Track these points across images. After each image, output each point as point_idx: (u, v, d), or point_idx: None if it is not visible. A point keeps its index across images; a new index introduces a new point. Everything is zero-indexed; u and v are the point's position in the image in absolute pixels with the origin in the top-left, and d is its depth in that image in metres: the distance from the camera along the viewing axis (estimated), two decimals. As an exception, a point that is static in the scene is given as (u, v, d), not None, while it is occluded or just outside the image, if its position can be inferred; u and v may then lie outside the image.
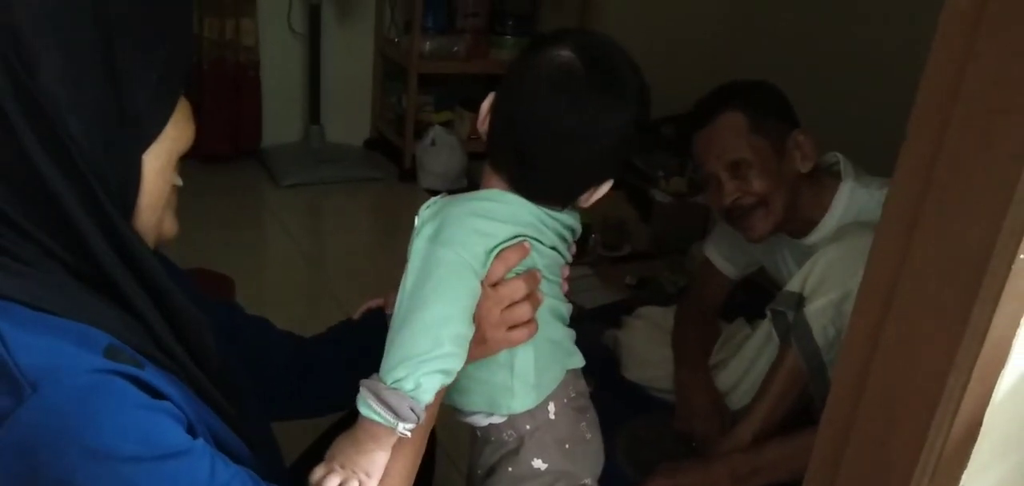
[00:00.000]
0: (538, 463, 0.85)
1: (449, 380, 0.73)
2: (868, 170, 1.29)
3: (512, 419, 0.85)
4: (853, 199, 1.25)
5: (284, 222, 2.58)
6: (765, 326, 1.32)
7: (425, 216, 0.78)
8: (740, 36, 3.22)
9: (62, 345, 0.54)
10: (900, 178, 0.53)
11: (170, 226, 0.69)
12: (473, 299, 0.75)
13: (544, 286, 0.82)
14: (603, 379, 0.95)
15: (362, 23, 3.08)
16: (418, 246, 0.76)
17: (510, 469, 0.86)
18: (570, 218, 0.86)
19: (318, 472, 0.71)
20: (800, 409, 1.23)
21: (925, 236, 0.51)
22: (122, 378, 0.55)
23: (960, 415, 0.53)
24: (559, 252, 0.85)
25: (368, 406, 0.68)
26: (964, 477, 0.58)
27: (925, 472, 0.55)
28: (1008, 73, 0.46)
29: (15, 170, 0.56)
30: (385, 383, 0.69)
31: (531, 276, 0.80)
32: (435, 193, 2.20)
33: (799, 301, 1.19)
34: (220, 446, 0.64)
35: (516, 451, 0.86)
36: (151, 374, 0.58)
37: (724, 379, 1.40)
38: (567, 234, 0.86)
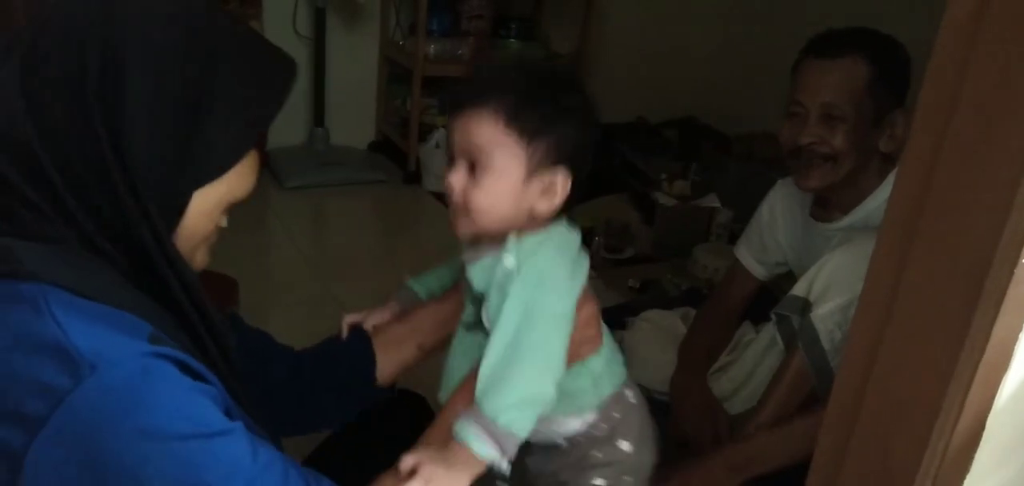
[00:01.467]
0: (625, 445, 0.91)
1: None
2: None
3: (603, 411, 0.90)
4: None
5: (288, 224, 2.59)
6: (768, 331, 1.31)
7: (523, 256, 0.80)
8: (741, 41, 3.22)
9: (112, 332, 0.57)
10: (901, 184, 0.53)
11: (201, 260, 0.72)
12: (569, 338, 0.80)
13: None
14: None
15: (367, 26, 3.09)
16: (523, 291, 0.78)
17: (599, 455, 0.91)
18: None
19: (404, 482, 0.72)
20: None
21: (926, 243, 0.51)
22: (169, 361, 0.58)
23: (962, 421, 0.53)
24: None
25: (478, 440, 0.72)
26: (966, 482, 0.58)
27: (927, 477, 0.55)
28: (1007, 81, 0.46)
29: (87, 170, 0.60)
30: (497, 422, 0.72)
31: (592, 295, 0.86)
32: (440, 195, 2.23)
33: (804, 306, 1.18)
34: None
35: (607, 438, 0.91)
36: (191, 360, 0.61)
37: (726, 383, 1.39)
38: None
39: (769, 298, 1.28)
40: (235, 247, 0.71)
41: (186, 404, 0.57)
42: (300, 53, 2.95)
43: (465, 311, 0.88)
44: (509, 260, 0.79)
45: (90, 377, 0.53)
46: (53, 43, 0.60)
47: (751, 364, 1.36)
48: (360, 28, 3.07)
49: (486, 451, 0.71)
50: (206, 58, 0.63)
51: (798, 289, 1.19)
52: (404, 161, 3.03)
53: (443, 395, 0.86)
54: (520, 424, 0.74)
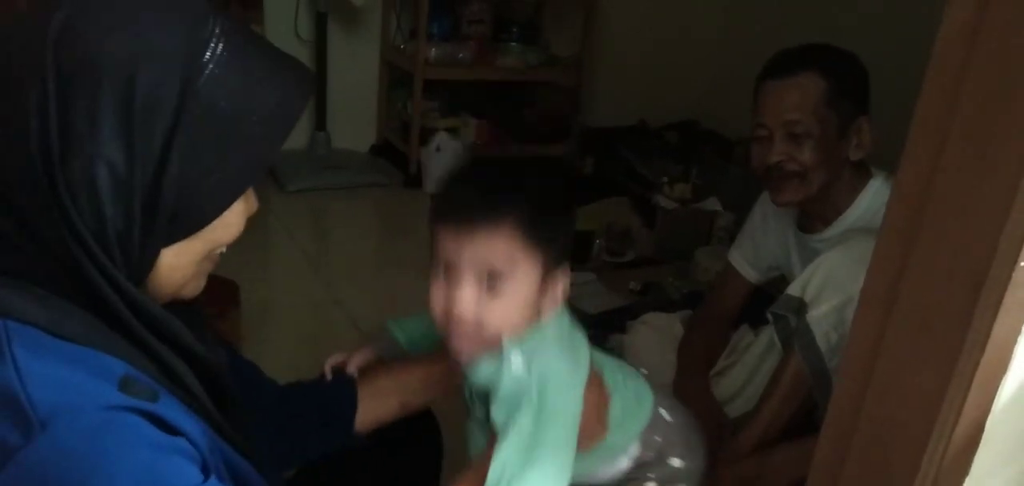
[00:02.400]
0: (676, 461, 0.94)
1: None
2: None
3: (644, 440, 0.93)
4: (877, 197, 1.24)
5: (289, 228, 2.59)
6: (767, 333, 1.32)
7: (529, 359, 0.78)
8: (742, 45, 3.22)
9: (77, 376, 0.53)
10: (900, 186, 0.53)
11: (193, 290, 0.66)
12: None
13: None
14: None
15: (368, 30, 3.10)
16: (534, 398, 0.76)
17: (653, 476, 0.93)
18: None
19: None
20: (803, 415, 1.22)
21: (926, 244, 0.51)
22: (136, 414, 0.54)
23: (961, 423, 0.53)
24: None
25: None
26: (965, 484, 0.58)
27: (926, 479, 0.55)
28: (1007, 83, 0.46)
29: (43, 215, 0.55)
30: None
31: (598, 381, 0.87)
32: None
33: (799, 306, 1.18)
34: (241, 483, 0.64)
35: (657, 460, 0.94)
36: (166, 406, 0.57)
37: (726, 386, 1.39)
38: None
39: (767, 302, 1.29)
40: (236, 250, 0.69)
41: (149, 466, 0.52)
42: (301, 57, 2.94)
43: (474, 408, 0.87)
44: (517, 363, 0.77)
45: (41, 434, 0.49)
46: (17, 71, 0.55)
47: (751, 367, 1.36)
48: (361, 32, 3.08)
49: None
50: (197, 96, 0.56)
51: (793, 289, 1.20)
52: (405, 164, 3.04)
53: None
54: None
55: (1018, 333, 0.53)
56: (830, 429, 0.60)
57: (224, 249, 0.66)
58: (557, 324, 0.82)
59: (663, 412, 0.95)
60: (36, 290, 0.56)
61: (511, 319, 0.77)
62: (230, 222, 0.63)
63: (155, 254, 0.59)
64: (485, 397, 0.82)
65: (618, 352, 1.61)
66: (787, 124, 1.19)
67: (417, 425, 1.00)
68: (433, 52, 2.92)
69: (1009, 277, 0.49)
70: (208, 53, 0.57)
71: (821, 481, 0.61)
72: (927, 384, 0.53)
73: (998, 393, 0.55)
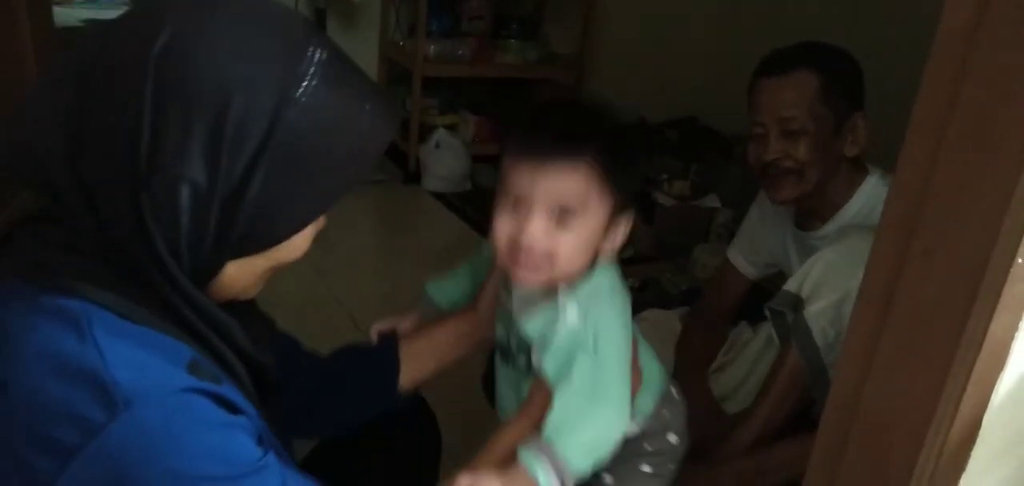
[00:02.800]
0: (673, 438, 0.97)
1: None
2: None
3: (656, 410, 0.95)
4: (874, 194, 1.24)
5: (289, 224, 2.60)
6: (765, 330, 1.32)
7: (585, 308, 0.81)
8: (742, 42, 3.22)
9: (152, 358, 0.56)
10: (899, 184, 0.53)
11: (251, 294, 0.69)
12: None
13: None
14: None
15: (367, 27, 3.09)
16: (592, 344, 0.80)
17: (648, 447, 0.96)
18: None
19: None
20: (801, 411, 1.23)
21: (923, 241, 0.52)
22: (204, 396, 0.57)
23: (958, 419, 0.54)
24: None
25: (545, 473, 0.74)
26: (962, 481, 0.58)
27: (924, 475, 0.55)
28: (1004, 82, 0.46)
29: (121, 222, 0.57)
30: (567, 460, 0.75)
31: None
32: (440, 195, 2.24)
33: (796, 302, 1.19)
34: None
35: (658, 432, 0.96)
36: (228, 389, 0.61)
37: (725, 383, 1.40)
38: None
39: (766, 299, 1.29)
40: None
41: (219, 443, 0.57)
42: (301, 53, 2.96)
43: (509, 355, 0.90)
44: (572, 315, 0.81)
45: (124, 412, 0.53)
46: (112, 69, 0.56)
47: (749, 363, 1.37)
48: (360, 28, 3.08)
49: (551, 482, 0.74)
50: (287, 122, 0.57)
51: (791, 285, 1.20)
52: (404, 161, 3.04)
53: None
54: (587, 464, 0.77)
55: (1015, 330, 0.54)
56: (828, 425, 0.60)
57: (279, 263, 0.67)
58: (610, 274, 0.85)
59: (673, 390, 0.99)
60: (108, 273, 0.58)
61: (576, 254, 0.80)
62: (298, 244, 0.65)
63: (221, 265, 0.61)
64: (528, 348, 0.85)
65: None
66: (782, 121, 1.20)
67: (414, 418, 1.01)
68: (432, 49, 2.92)
69: (1006, 274, 0.49)
70: (303, 85, 0.58)
71: (819, 476, 0.61)
72: (924, 380, 0.53)
73: (995, 389, 0.55)
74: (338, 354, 0.97)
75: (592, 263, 0.83)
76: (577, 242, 0.79)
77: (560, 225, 0.78)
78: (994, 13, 0.46)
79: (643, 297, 2.12)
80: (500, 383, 0.96)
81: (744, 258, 1.50)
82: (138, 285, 0.59)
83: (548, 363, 0.81)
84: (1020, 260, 0.49)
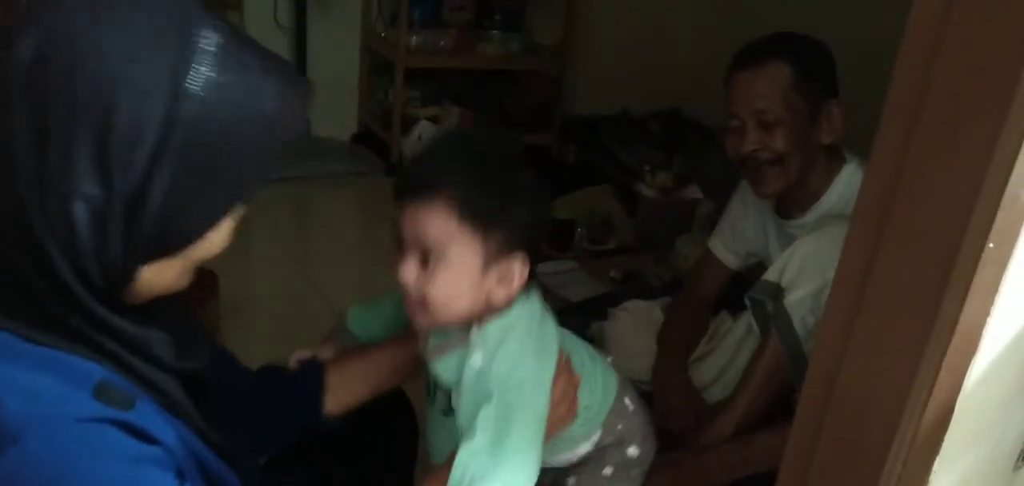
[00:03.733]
0: (633, 450, 0.97)
1: None
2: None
3: (606, 427, 0.95)
4: (851, 182, 1.26)
5: (269, 216, 2.57)
6: (745, 320, 1.33)
7: (490, 350, 0.78)
8: (726, 34, 3.23)
9: (51, 383, 0.52)
10: (872, 171, 0.54)
11: (181, 283, 0.63)
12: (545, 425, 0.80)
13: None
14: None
15: (348, 17, 3.07)
16: (497, 393, 0.76)
17: (609, 462, 0.96)
18: None
19: None
20: (781, 399, 1.24)
21: (896, 229, 0.52)
22: (110, 425, 0.53)
23: (931, 403, 0.54)
24: None
25: None
26: (936, 463, 0.59)
27: (897, 459, 0.56)
28: (974, 70, 0.47)
29: (17, 247, 0.53)
30: None
31: (566, 368, 0.86)
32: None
33: (776, 291, 1.20)
34: (214, 482, 0.64)
35: (615, 446, 0.96)
36: (142, 413, 0.56)
37: (705, 372, 1.41)
38: None
39: (746, 289, 1.30)
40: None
41: (123, 477, 0.52)
42: (281, 44, 2.93)
43: (434, 398, 0.87)
44: (477, 359, 0.78)
45: (12, 448, 0.49)
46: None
47: (730, 353, 1.38)
48: (341, 18, 3.05)
49: None
50: (190, 118, 0.53)
51: (771, 274, 1.21)
52: (386, 153, 3.02)
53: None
54: None
55: (987, 315, 0.54)
56: (804, 410, 0.61)
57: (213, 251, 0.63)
58: (524, 315, 0.81)
59: (627, 402, 0.97)
60: (12, 293, 0.54)
61: (450, 298, 0.76)
62: (214, 241, 0.60)
63: (134, 270, 0.56)
64: (447, 392, 0.82)
65: (599, 339, 1.62)
66: (757, 112, 1.22)
67: (391, 406, 1.00)
68: (414, 40, 2.90)
69: (978, 259, 0.50)
70: (191, 76, 0.53)
71: (795, 460, 0.62)
72: (898, 365, 0.54)
73: (968, 374, 0.56)
74: (261, 374, 0.92)
75: (490, 303, 0.78)
76: (446, 285, 0.75)
77: (427, 267, 0.75)
78: (964, 1, 0.47)
79: (625, 289, 2.13)
80: (427, 423, 0.92)
81: (725, 248, 1.51)
82: (42, 307, 0.54)
83: (460, 410, 0.78)
84: (991, 245, 0.49)
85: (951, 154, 0.49)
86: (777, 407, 1.24)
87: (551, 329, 0.85)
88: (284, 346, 0.97)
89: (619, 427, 0.95)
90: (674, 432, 1.34)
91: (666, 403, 1.36)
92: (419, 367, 0.92)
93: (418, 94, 3.13)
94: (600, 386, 0.94)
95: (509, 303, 0.80)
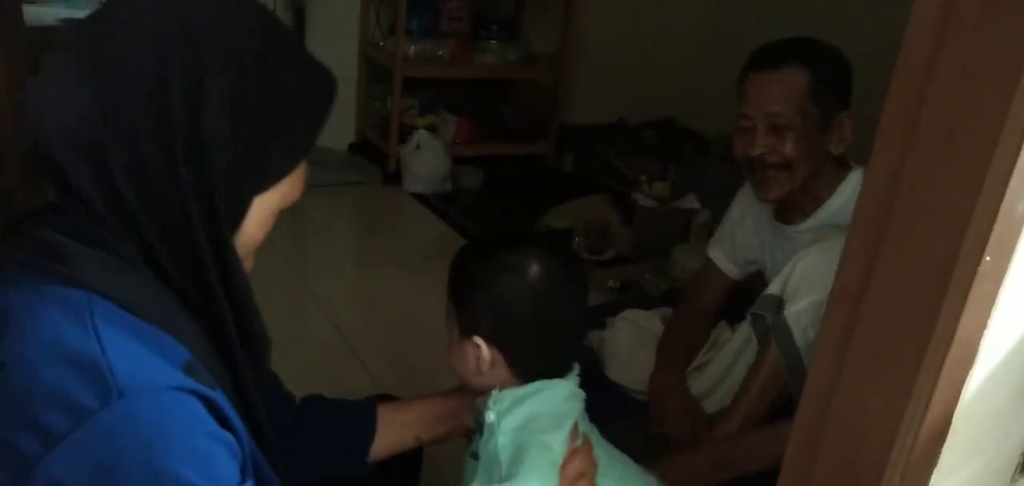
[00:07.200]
0: None
1: None
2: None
3: None
4: (857, 190, 1.25)
5: (267, 226, 2.57)
6: (744, 330, 1.33)
7: (501, 413, 0.82)
8: (721, 43, 3.25)
9: (149, 354, 0.57)
10: (869, 182, 0.54)
11: (249, 267, 0.71)
12: None
13: (586, 427, 0.90)
14: (587, 378, 0.97)
15: (346, 26, 3.07)
16: (502, 450, 0.80)
17: None
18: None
19: None
20: (778, 411, 1.24)
21: (894, 240, 0.52)
22: (198, 398, 0.57)
23: (929, 415, 0.54)
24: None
25: None
26: (934, 476, 0.59)
27: (896, 471, 0.56)
28: (972, 79, 0.47)
29: (157, 172, 0.59)
30: None
31: (586, 449, 0.87)
32: (420, 196, 2.21)
33: (779, 304, 1.19)
34: (263, 482, 0.67)
35: None
36: (221, 397, 0.61)
37: (703, 382, 1.41)
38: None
39: (745, 298, 1.30)
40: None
41: (202, 451, 0.56)
42: (279, 53, 2.93)
43: (474, 440, 0.90)
44: (490, 415, 0.82)
45: (118, 401, 0.53)
46: (130, 45, 0.59)
47: (727, 363, 1.37)
48: (339, 27, 3.06)
49: None
50: (273, 66, 0.64)
51: (773, 288, 1.21)
52: (384, 162, 3.02)
53: None
54: None
55: (984, 327, 0.54)
56: (802, 421, 0.61)
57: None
58: (546, 392, 0.84)
59: None
60: (115, 264, 0.59)
61: (453, 363, 0.89)
62: (299, 176, 0.70)
63: (250, 201, 0.65)
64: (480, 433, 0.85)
65: (597, 349, 1.62)
66: (770, 116, 1.21)
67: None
68: (412, 49, 2.91)
69: (975, 271, 0.50)
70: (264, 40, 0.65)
71: (793, 471, 0.62)
72: (896, 377, 0.53)
73: (965, 386, 0.56)
74: (311, 404, 0.94)
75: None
76: (447, 351, 0.87)
77: None
78: (960, 11, 0.47)
79: (623, 298, 2.13)
80: (465, 462, 0.93)
81: (724, 256, 1.50)
82: (147, 276, 0.60)
83: (480, 469, 0.82)
84: (988, 258, 0.49)
85: (948, 165, 0.49)
86: (775, 418, 1.24)
87: (572, 410, 0.86)
88: (282, 356, 0.96)
89: None
90: (670, 441, 1.33)
91: (661, 409, 1.36)
92: (464, 421, 0.95)
93: (416, 103, 3.14)
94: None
95: (504, 386, 0.84)
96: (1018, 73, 0.45)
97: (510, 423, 0.81)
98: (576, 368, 0.90)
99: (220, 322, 0.64)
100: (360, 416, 0.93)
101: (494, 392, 0.83)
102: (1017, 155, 0.47)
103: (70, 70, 0.59)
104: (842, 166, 1.28)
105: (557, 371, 0.87)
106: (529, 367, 0.85)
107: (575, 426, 0.86)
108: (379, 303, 2.24)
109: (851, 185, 1.26)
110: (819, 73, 1.20)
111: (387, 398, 0.99)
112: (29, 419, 0.53)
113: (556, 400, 0.85)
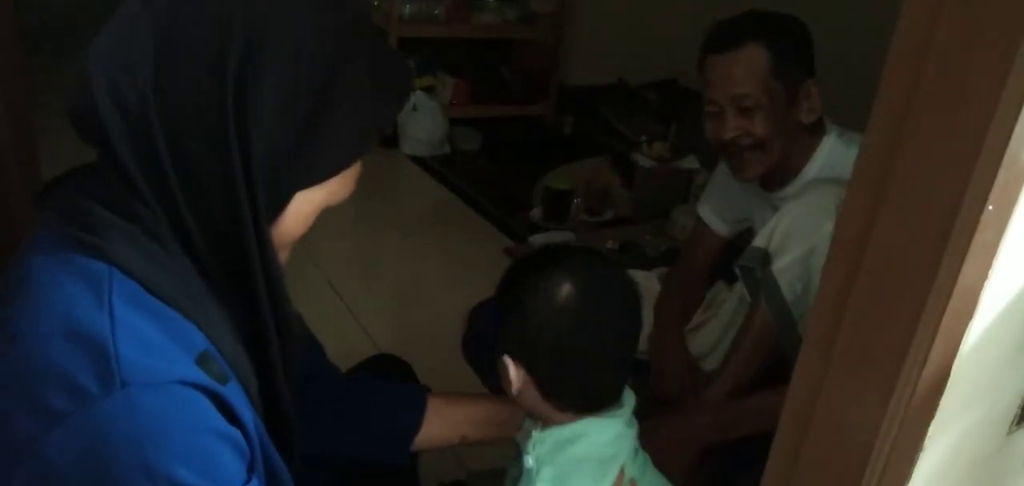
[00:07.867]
0: None
1: None
2: (848, 124, 1.29)
3: None
4: (832, 153, 1.25)
5: (265, 189, 2.57)
6: (739, 288, 1.33)
7: (541, 457, 0.80)
8: (723, 3, 3.20)
9: (161, 340, 0.56)
10: (871, 134, 0.53)
11: (284, 259, 0.70)
12: None
13: (637, 467, 0.87)
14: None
15: (342, -14, 3.03)
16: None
17: None
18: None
19: None
20: (772, 364, 1.24)
21: (895, 190, 0.52)
22: (204, 393, 0.56)
23: (928, 367, 0.54)
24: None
25: None
26: (931, 428, 0.59)
27: (894, 422, 0.56)
28: (978, 27, 0.46)
29: (204, 147, 0.57)
30: None
31: None
32: (418, 159, 2.19)
33: (765, 257, 1.19)
34: (274, 480, 0.66)
35: None
36: (233, 392, 0.59)
37: (701, 341, 1.41)
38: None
39: (739, 256, 1.30)
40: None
41: (201, 450, 0.55)
42: (274, 14, 2.89)
43: (512, 467, 0.89)
44: (528, 460, 0.80)
45: (119, 391, 0.52)
46: (194, 16, 0.57)
47: (724, 322, 1.38)
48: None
49: None
50: (338, 57, 0.61)
51: (759, 241, 1.22)
52: (382, 124, 3.00)
53: None
54: None
55: (985, 278, 0.54)
56: (800, 375, 0.61)
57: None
58: (589, 434, 0.81)
59: None
60: (143, 240, 0.58)
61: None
62: (350, 176, 0.69)
63: (293, 193, 0.63)
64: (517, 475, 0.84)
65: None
66: (736, 98, 1.20)
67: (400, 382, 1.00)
68: (407, 8, 2.88)
69: (977, 221, 0.49)
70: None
71: (791, 426, 0.62)
72: (895, 328, 0.53)
73: (965, 337, 0.56)
74: (359, 383, 0.93)
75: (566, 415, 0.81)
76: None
77: None
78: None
79: (622, 259, 2.13)
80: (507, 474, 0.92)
81: (714, 214, 1.51)
82: (176, 255, 0.59)
83: None
84: (991, 207, 0.49)
85: (951, 115, 0.48)
86: (768, 373, 1.24)
87: (617, 457, 0.83)
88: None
89: None
90: (671, 400, 1.34)
91: (660, 369, 1.37)
92: (511, 428, 0.92)
93: (412, 64, 3.11)
94: None
95: (540, 411, 0.82)
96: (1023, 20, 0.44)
97: (548, 473, 0.78)
98: (631, 399, 0.85)
99: (255, 306, 0.63)
100: (409, 405, 0.91)
101: (534, 433, 0.80)
102: (1021, 102, 0.46)
103: (135, 32, 0.57)
104: (815, 131, 1.27)
105: (602, 402, 0.82)
106: (561, 395, 0.81)
107: (621, 473, 0.82)
108: (378, 265, 2.24)
109: (825, 149, 1.26)
110: (778, 47, 1.19)
111: (399, 369, 0.99)
112: (31, 396, 0.52)
113: (601, 444, 0.81)
